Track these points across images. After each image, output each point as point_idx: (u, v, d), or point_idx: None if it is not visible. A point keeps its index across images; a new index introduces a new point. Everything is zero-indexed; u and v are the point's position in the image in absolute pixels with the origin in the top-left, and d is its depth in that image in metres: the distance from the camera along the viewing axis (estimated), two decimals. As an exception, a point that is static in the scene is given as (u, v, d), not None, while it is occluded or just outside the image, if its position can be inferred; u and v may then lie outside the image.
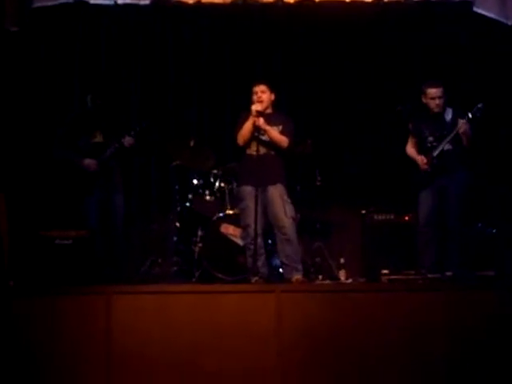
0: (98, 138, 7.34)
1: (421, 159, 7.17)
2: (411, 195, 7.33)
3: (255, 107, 6.86)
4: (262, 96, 6.97)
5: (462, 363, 5.65)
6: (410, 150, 7.37)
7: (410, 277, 6.89)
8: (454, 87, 7.84)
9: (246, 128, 6.91)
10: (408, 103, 7.44)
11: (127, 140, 7.23)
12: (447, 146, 7.07)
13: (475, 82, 8.40)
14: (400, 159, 7.62)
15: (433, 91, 7.15)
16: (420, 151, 7.24)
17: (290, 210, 6.89)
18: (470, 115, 6.88)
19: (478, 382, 5.61)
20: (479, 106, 6.85)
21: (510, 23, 7.33)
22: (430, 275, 6.74)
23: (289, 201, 6.93)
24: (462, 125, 6.89)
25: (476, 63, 8.55)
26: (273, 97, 7.06)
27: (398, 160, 7.79)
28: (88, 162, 7.23)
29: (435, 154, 7.08)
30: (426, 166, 7.12)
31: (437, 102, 7.13)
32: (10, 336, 5.61)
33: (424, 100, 7.20)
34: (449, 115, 7.15)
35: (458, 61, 8.66)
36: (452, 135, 6.99)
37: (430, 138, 7.16)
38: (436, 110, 7.15)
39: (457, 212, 7.04)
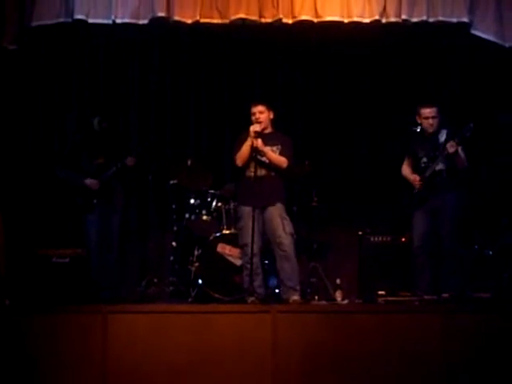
0: (101, 160, 7.47)
1: (414, 178, 7.20)
2: (405, 216, 7.34)
3: (253, 128, 6.86)
4: (261, 117, 6.97)
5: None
6: (405, 169, 7.40)
7: (407, 298, 6.90)
8: (450, 108, 7.89)
9: (245, 149, 6.91)
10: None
11: (129, 160, 7.38)
12: (440, 167, 7.10)
13: (472, 102, 8.42)
14: (397, 179, 7.63)
15: (427, 111, 7.18)
16: (414, 171, 7.27)
17: (288, 226, 6.88)
18: (458, 136, 6.90)
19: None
20: (470, 125, 6.87)
21: (507, 45, 7.31)
22: (426, 297, 6.74)
23: (287, 218, 6.93)
24: (449, 146, 6.90)
25: (473, 84, 8.58)
26: (271, 115, 7.06)
27: (395, 181, 7.80)
28: (90, 181, 7.35)
29: (427, 174, 7.12)
30: (418, 185, 7.15)
31: (430, 121, 7.17)
32: (7, 354, 5.59)
33: (418, 120, 7.24)
34: (443, 136, 7.16)
35: (456, 82, 8.70)
36: (442, 156, 7.02)
37: (424, 159, 7.19)
38: (430, 130, 7.19)
39: (450, 233, 7.04)
